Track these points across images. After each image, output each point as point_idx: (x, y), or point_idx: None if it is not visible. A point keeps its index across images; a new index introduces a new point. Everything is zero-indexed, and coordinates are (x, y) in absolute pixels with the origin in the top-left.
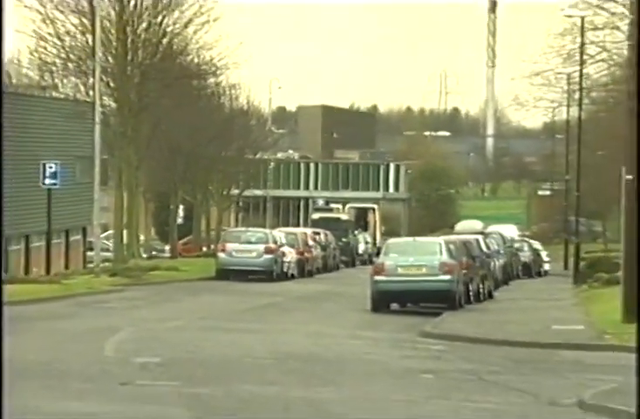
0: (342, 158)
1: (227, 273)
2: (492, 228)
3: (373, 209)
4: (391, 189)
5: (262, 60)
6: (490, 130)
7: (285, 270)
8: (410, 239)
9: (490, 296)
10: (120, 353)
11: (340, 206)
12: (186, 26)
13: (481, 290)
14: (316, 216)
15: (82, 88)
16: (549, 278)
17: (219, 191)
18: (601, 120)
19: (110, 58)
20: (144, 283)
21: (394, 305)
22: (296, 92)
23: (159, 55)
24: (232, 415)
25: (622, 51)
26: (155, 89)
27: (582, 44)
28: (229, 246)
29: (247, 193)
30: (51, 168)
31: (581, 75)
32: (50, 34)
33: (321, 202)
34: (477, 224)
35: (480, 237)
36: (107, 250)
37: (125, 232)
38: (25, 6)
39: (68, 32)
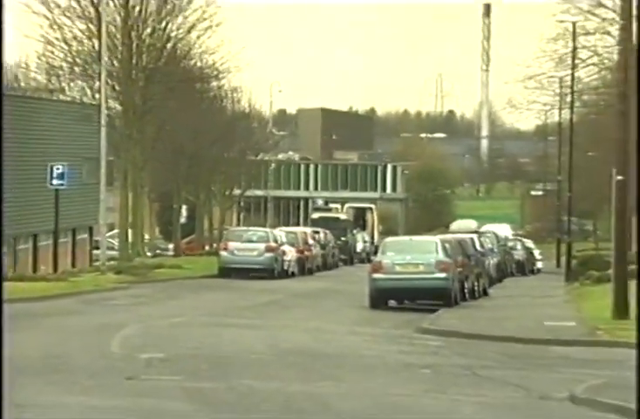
0: (341, 159)
1: (229, 271)
2: (486, 227)
3: (371, 209)
4: (389, 190)
5: (263, 64)
6: (485, 132)
7: (286, 268)
8: (407, 238)
9: (485, 293)
10: (126, 349)
11: (339, 206)
12: (189, 31)
13: (476, 287)
14: (315, 215)
15: (88, 91)
16: (542, 276)
17: (221, 191)
18: (592, 122)
19: (115, 63)
20: (148, 280)
21: (392, 302)
22: (296, 96)
23: (163, 59)
24: (234, 408)
25: (612, 55)
26: (159, 92)
27: (574, 49)
28: (231, 245)
29: (248, 193)
30: (58, 169)
31: (572, 79)
32: (57, 39)
33: (320, 202)
34: (472, 224)
35: (474, 236)
36: (113, 248)
37: (130, 231)
38: (34, 12)
39: (75, 37)
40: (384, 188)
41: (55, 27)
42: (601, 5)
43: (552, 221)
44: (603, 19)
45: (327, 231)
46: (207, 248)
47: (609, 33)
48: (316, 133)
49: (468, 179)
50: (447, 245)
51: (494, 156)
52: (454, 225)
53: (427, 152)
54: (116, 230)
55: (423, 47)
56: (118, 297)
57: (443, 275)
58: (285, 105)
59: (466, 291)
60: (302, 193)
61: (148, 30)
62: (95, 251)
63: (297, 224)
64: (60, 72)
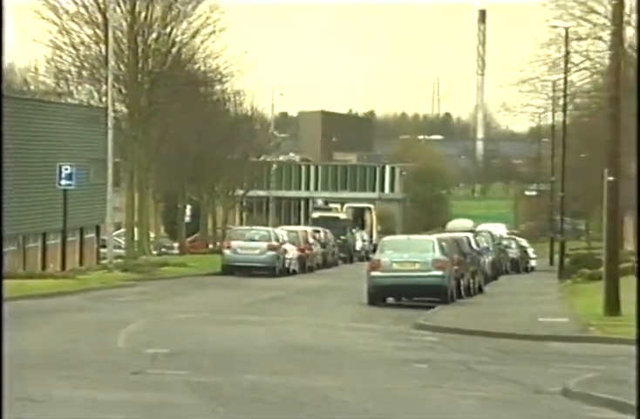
0: (340, 160)
1: (232, 269)
2: (482, 226)
3: (370, 209)
4: (387, 190)
5: (265, 68)
6: (480, 134)
7: (287, 266)
8: (404, 237)
9: (480, 290)
10: (132, 345)
11: (339, 206)
12: (193, 36)
13: (472, 285)
14: (316, 215)
15: (95, 95)
16: (536, 274)
17: (224, 192)
18: (584, 124)
19: (122, 67)
20: (154, 278)
21: (389, 299)
22: (297, 99)
23: (168, 63)
24: (237, 402)
25: (604, 59)
26: (164, 95)
27: (567, 54)
28: (234, 243)
29: (251, 193)
30: (66, 170)
31: (565, 82)
32: (65, 44)
33: (320, 202)
34: (468, 223)
35: (470, 235)
36: (119, 247)
37: (136, 230)
38: (43, 18)
39: (82, 42)
40: (382, 189)
41: (63, 32)
42: (592, 11)
43: (545, 220)
44: (595, 25)
45: (327, 230)
46: (210, 246)
47: (600, 38)
48: (316, 135)
49: (464, 180)
50: (444, 244)
51: (489, 157)
52: (450, 224)
53: (424, 153)
54: (122, 229)
55: (420, 52)
56: (124, 294)
57: (439, 273)
58: (286, 108)
59: (461, 288)
60: (302, 193)
61: (154, 35)
62: (102, 250)
63: (298, 224)
64: (68, 76)
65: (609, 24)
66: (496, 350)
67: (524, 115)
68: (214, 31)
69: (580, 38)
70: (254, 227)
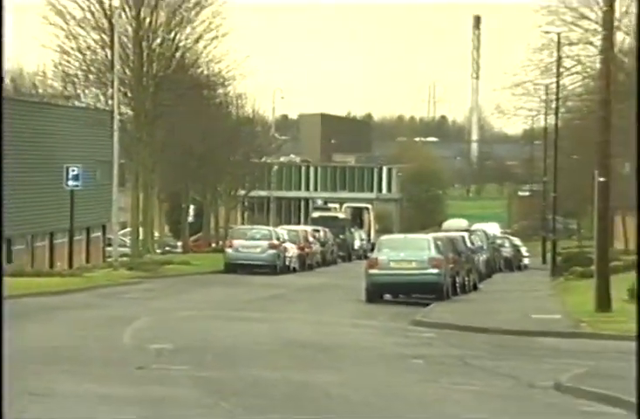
0: (339, 162)
1: (234, 267)
2: (476, 226)
3: (368, 209)
4: (385, 190)
5: (266, 72)
6: (475, 136)
7: (287, 264)
8: (401, 236)
9: (475, 288)
10: (137, 340)
11: (338, 206)
12: (196, 41)
13: (467, 282)
14: (315, 214)
15: (102, 98)
16: (529, 272)
17: (227, 192)
18: (576, 127)
19: (127, 71)
20: (158, 276)
21: (387, 296)
22: (298, 102)
23: (172, 67)
24: (239, 396)
25: (595, 64)
26: (169, 98)
27: (559, 58)
28: (236, 242)
29: (252, 193)
30: (73, 171)
31: (557, 86)
32: (72, 49)
33: (320, 202)
34: (463, 222)
35: (465, 234)
36: (125, 245)
37: (141, 229)
38: (50, 23)
39: (89, 47)
40: (380, 189)
41: (70, 37)
42: (584, 17)
43: (538, 220)
44: (586, 30)
45: (326, 230)
46: (213, 245)
47: (591, 43)
48: (316, 137)
49: (459, 180)
50: (439, 243)
51: (484, 159)
52: (446, 224)
53: (421, 155)
54: (128, 229)
55: (417, 56)
56: (129, 291)
57: (435, 271)
58: (287, 110)
59: (457, 285)
60: (302, 193)
61: (158, 40)
62: (108, 248)
63: (298, 223)
64: (75, 80)
65: (599, 29)
66: (491, 345)
67: (517, 118)
68: (216, 37)
69: (571, 43)
70: (255, 226)
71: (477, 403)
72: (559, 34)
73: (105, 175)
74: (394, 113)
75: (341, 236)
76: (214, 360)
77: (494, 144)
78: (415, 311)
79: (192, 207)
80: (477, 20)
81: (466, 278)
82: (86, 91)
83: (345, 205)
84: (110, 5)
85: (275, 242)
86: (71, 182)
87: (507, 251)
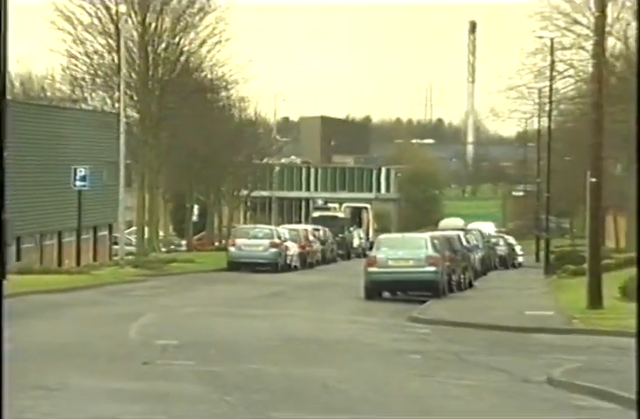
0: (339, 163)
1: (237, 265)
2: (472, 225)
3: (367, 209)
4: (383, 191)
5: (268, 76)
6: (470, 138)
7: (288, 262)
8: (399, 235)
9: (470, 285)
10: (143, 336)
11: (337, 205)
12: (200, 46)
13: (462, 280)
14: (315, 214)
15: (108, 101)
16: (523, 270)
17: (230, 192)
18: (568, 129)
19: (133, 74)
20: (163, 274)
21: (385, 294)
22: (298, 105)
23: (176, 71)
24: (242, 390)
25: (587, 68)
26: (173, 102)
27: (552, 62)
28: (239, 241)
29: (254, 194)
30: (81, 172)
31: (550, 89)
32: (80, 53)
33: (320, 202)
34: (459, 222)
35: (461, 233)
36: (131, 244)
37: (146, 229)
38: (59, 28)
39: (96, 52)
40: (378, 190)
41: (78, 42)
42: (576, 22)
43: (531, 219)
44: (578, 35)
45: (326, 229)
46: (216, 244)
47: (583, 48)
48: (316, 139)
49: (455, 181)
50: (436, 241)
51: (479, 160)
52: (442, 223)
53: (418, 156)
54: (133, 228)
55: (414, 61)
56: (135, 288)
57: (432, 269)
58: (288, 113)
59: (453, 283)
60: (303, 194)
61: (163, 44)
62: (114, 247)
63: (299, 222)
64: (83, 84)
65: (591, 34)
66: (486, 341)
67: (512, 120)
68: (219, 41)
69: (564, 48)
70: (257, 225)
71: (473, 397)
72: (552, 39)
73: (112, 176)
74: (392, 115)
75: (340, 235)
76: (218, 356)
77: (489, 146)
78: (412, 307)
79: (196, 207)
80: (472, 25)
81: (462, 276)
82: (93, 94)
83: (345, 205)
84: (116, 11)
85: (277, 241)
86: (78, 183)
87: (501, 250)
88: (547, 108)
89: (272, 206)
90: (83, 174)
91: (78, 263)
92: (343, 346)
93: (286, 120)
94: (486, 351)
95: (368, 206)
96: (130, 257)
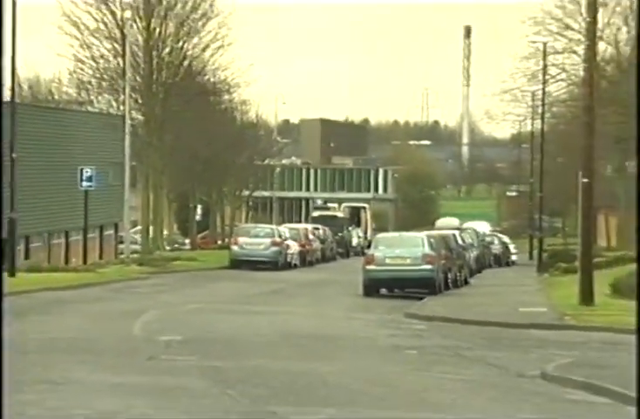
0: (338, 164)
1: (239, 263)
2: (467, 224)
3: (365, 208)
4: (381, 191)
5: (269, 79)
6: (465, 140)
7: (289, 260)
8: (396, 234)
9: (466, 283)
10: (147, 332)
11: (336, 205)
12: (203, 50)
13: (458, 277)
14: (315, 213)
15: (114, 104)
16: (516, 268)
17: (232, 192)
18: (560, 131)
19: (138, 78)
20: (167, 271)
21: (383, 291)
22: (299, 107)
23: (180, 75)
24: (243, 384)
25: (578, 71)
26: (177, 104)
27: (545, 66)
28: (241, 240)
29: (256, 194)
30: (87, 172)
31: (543, 93)
32: (86, 57)
33: (320, 202)
34: (454, 221)
35: (456, 232)
36: (136, 243)
37: (151, 228)
38: (66, 33)
39: (102, 56)
40: (376, 190)
41: (85, 47)
42: (568, 28)
43: (525, 219)
44: (570, 40)
45: (326, 228)
46: (219, 242)
47: (575, 52)
48: (315, 140)
49: (451, 181)
50: (432, 240)
51: (474, 161)
52: (439, 222)
53: (415, 157)
54: (138, 227)
55: (411, 65)
56: (140, 286)
57: (429, 267)
58: (288, 115)
59: (449, 280)
60: (303, 194)
61: (167, 49)
62: (120, 245)
63: (299, 221)
64: (89, 87)
65: (583, 39)
66: (481, 337)
67: (506, 123)
68: (222, 46)
69: (557, 52)
70: (259, 225)
71: (468, 392)
72: (545, 44)
73: (117, 177)
74: (390, 117)
75: (340, 234)
76: (220, 351)
77: (484, 147)
78: (409, 304)
79: (199, 206)
80: (467, 30)
81: (458, 274)
82: (99, 97)
83: (344, 205)
84: (122, 16)
85: (278, 239)
86: (85, 183)
87: (496, 248)
88: (540, 111)
89: (273, 206)
90: (89, 174)
91: (85, 261)
92: (342, 341)
93: (286, 122)
94: (480, 346)
95: (366, 206)
96: (135, 255)
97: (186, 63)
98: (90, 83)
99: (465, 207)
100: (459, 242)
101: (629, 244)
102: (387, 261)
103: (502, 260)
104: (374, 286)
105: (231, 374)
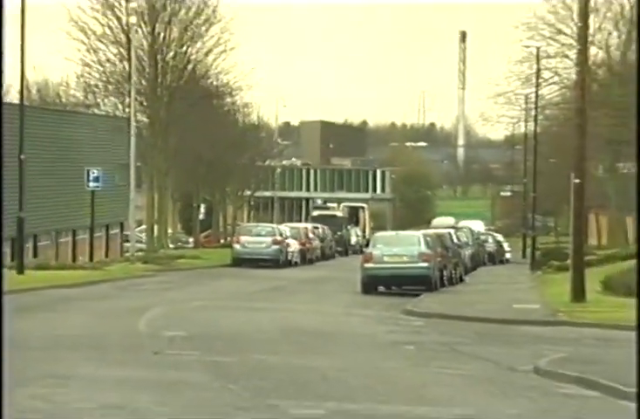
0: (337, 165)
1: (241, 261)
2: (462, 223)
3: (363, 208)
4: (379, 191)
5: (270, 83)
6: (461, 141)
7: (289, 258)
8: (394, 233)
9: (461, 280)
10: (152, 328)
11: (336, 205)
12: (206, 55)
13: (453, 275)
14: (315, 213)
15: (120, 106)
16: (510, 266)
17: (234, 192)
18: (553, 133)
19: (143, 82)
20: (172, 269)
21: (381, 288)
22: (299, 110)
23: (184, 79)
24: (245, 379)
25: (571, 75)
26: (181, 107)
27: (538, 70)
28: (243, 238)
29: (257, 194)
30: (93, 173)
31: (536, 96)
32: (93, 61)
33: (319, 202)
34: (450, 220)
35: (452, 231)
36: (141, 241)
37: (155, 227)
38: (73, 38)
39: (108, 60)
40: (374, 190)
41: (91, 51)
42: (561, 33)
43: (518, 218)
44: (563, 45)
45: (325, 227)
46: (222, 241)
47: (567, 56)
48: (315, 142)
49: (447, 182)
50: (429, 239)
51: (469, 162)
52: (435, 221)
53: (412, 159)
54: (143, 226)
55: (408, 68)
56: (145, 283)
57: (425, 264)
58: (289, 118)
59: (444, 278)
60: (303, 194)
61: (171, 53)
62: (125, 244)
63: (300, 221)
64: (96, 90)
65: (575, 43)
66: (476, 333)
67: (500, 125)
68: (224, 50)
69: (549, 56)
70: (260, 224)
71: (464, 386)
72: (538, 48)
73: (123, 177)
74: (387, 120)
75: (339, 233)
76: (223, 346)
77: (479, 149)
78: (406, 301)
79: (202, 206)
80: (463, 35)
81: (453, 271)
82: (106, 100)
83: (343, 204)
84: (127, 22)
85: (279, 238)
86: (91, 184)
87: (490, 247)
88: (533, 113)
89: (274, 205)
90: (96, 175)
91: (92, 259)
92: (342, 337)
93: (287, 124)
94: (476, 342)
95: (364, 205)
96: (140, 253)
97: (189, 67)
98: (96, 86)
99: (460, 206)
100: (455, 240)
101: (620, 243)
102: (385, 259)
103: (496, 258)
104: (372, 284)
105: (233, 368)
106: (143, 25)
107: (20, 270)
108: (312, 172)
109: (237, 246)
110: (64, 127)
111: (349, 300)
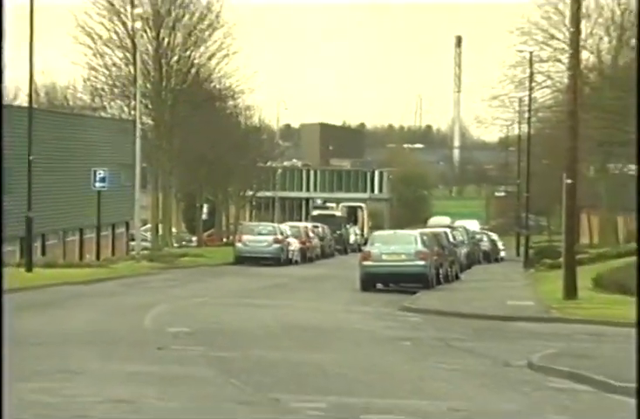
0: (336, 166)
1: (243, 259)
2: (458, 222)
3: (362, 208)
4: (377, 191)
5: (271, 86)
6: (456, 143)
7: (290, 256)
8: (391, 232)
9: (457, 278)
10: (157, 324)
11: (335, 205)
12: (210, 59)
13: (450, 273)
14: (315, 212)
15: (125, 109)
16: (505, 264)
17: (236, 192)
18: (546, 135)
19: (148, 85)
20: (176, 267)
21: (379, 285)
22: (299, 112)
23: (188, 82)
24: (248, 373)
25: (563, 79)
26: (185, 110)
27: (531, 74)
28: (245, 237)
29: (259, 194)
30: (100, 173)
31: (530, 99)
32: (99, 65)
33: (319, 202)
34: (446, 220)
35: (448, 230)
36: (146, 240)
37: (160, 226)
38: (80, 43)
39: (114, 64)
40: (372, 190)
41: (98, 55)
42: (553, 37)
43: (512, 217)
44: (555, 49)
45: (325, 226)
46: (224, 240)
47: (560, 61)
48: (315, 144)
49: (443, 182)
50: (425, 238)
51: (464, 163)
52: (431, 221)
53: (408, 160)
54: (148, 225)
55: (405, 72)
56: (150, 281)
57: (422, 262)
58: (290, 120)
59: (441, 276)
60: (303, 194)
61: (175, 57)
62: (131, 243)
63: (300, 220)
64: (102, 93)
65: (567, 48)
66: (471, 329)
67: (494, 127)
68: (227, 55)
69: (542, 61)
70: (262, 223)
71: (459, 380)
72: (531, 52)
73: (129, 178)
74: (385, 122)
75: (338, 232)
76: (225, 342)
77: (474, 150)
78: (404, 298)
79: (205, 206)
80: (458, 40)
81: (449, 269)
82: (112, 103)
83: (342, 204)
84: (133, 27)
85: (280, 237)
86: (98, 184)
87: (485, 245)
88: (526, 116)
89: (275, 205)
90: (102, 175)
91: (98, 257)
92: (341, 333)
93: (288, 126)
94: (471, 338)
95: (363, 205)
96: (145, 251)
97: (193, 71)
98: (103, 90)
99: (456, 206)
100: (451, 239)
101: (611, 242)
102: (383, 257)
103: (491, 256)
104: (371, 281)
105: (236, 363)
106: (148, 30)
107: (29, 268)
108: (312, 173)
109: (239, 245)
110: (72, 129)
111: (348, 297)
